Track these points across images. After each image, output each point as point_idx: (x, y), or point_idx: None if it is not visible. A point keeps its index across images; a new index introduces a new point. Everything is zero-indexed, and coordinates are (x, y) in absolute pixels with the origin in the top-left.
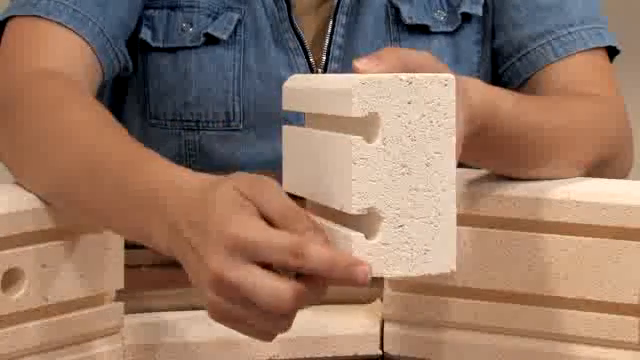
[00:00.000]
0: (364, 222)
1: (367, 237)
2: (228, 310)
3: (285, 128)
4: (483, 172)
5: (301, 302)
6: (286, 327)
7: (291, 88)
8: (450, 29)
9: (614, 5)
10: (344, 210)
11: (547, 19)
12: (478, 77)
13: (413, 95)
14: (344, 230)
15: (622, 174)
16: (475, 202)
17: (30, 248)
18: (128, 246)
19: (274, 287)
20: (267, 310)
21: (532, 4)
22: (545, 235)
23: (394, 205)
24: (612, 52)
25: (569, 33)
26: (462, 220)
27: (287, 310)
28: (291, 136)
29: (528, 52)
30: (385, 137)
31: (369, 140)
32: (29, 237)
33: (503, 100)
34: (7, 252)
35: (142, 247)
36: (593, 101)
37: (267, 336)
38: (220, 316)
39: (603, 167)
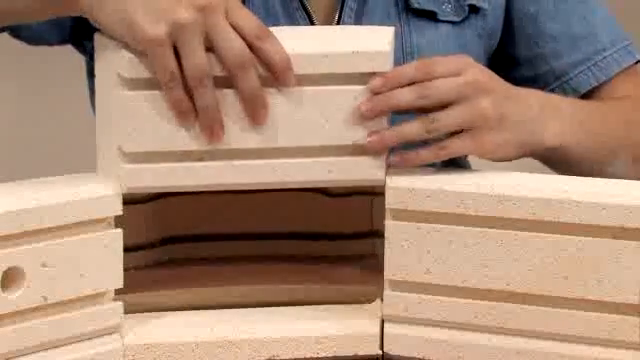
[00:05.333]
0: None
1: None
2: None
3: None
4: (483, 172)
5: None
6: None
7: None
8: (457, 19)
9: (614, 5)
10: None
11: (583, 47)
12: None
13: None
14: None
15: None
16: (475, 202)
17: (30, 247)
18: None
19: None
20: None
21: (569, 34)
22: (545, 235)
23: None
24: None
25: (604, 58)
26: (462, 220)
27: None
28: None
29: (570, 79)
30: None
31: None
32: (29, 236)
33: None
34: (7, 251)
35: (135, 250)
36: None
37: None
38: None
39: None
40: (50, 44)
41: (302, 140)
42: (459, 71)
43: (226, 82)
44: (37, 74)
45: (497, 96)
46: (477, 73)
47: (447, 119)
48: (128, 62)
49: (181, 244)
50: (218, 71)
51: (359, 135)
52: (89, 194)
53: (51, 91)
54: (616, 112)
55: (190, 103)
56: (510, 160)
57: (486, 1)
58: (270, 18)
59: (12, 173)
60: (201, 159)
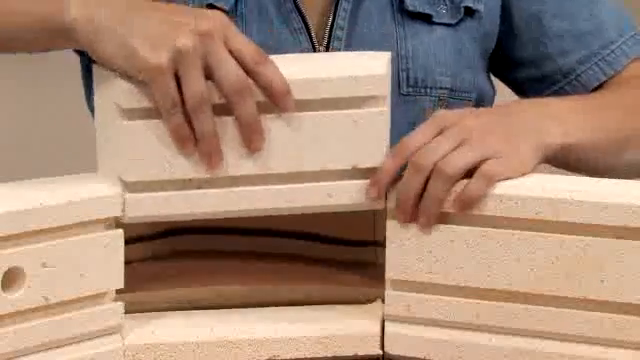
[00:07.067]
0: None
1: None
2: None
3: None
4: None
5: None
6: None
7: None
8: (452, 22)
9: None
10: None
11: (590, 43)
12: (474, 71)
13: None
14: None
15: None
16: None
17: (30, 247)
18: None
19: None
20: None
21: (575, 31)
22: (546, 234)
23: None
24: None
25: (612, 51)
26: (463, 220)
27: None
28: None
29: (578, 75)
30: None
31: None
32: (29, 236)
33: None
34: (7, 251)
35: (133, 242)
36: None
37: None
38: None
39: None
40: None
41: (301, 165)
42: (440, 131)
43: (224, 110)
44: (37, 74)
45: (489, 118)
46: (463, 119)
47: (458, 158)
48: (125, 92)
49: (184, 236)
50: (216, 99)
51: (358, 159)
52: (90, 194)
53: (51, 91)
54: (621, 100)
55: (189, 130)
56: (531, 168)
57: (482, 3)
58: (264, 21)
59: (12, 173)
60: (200, 187)
